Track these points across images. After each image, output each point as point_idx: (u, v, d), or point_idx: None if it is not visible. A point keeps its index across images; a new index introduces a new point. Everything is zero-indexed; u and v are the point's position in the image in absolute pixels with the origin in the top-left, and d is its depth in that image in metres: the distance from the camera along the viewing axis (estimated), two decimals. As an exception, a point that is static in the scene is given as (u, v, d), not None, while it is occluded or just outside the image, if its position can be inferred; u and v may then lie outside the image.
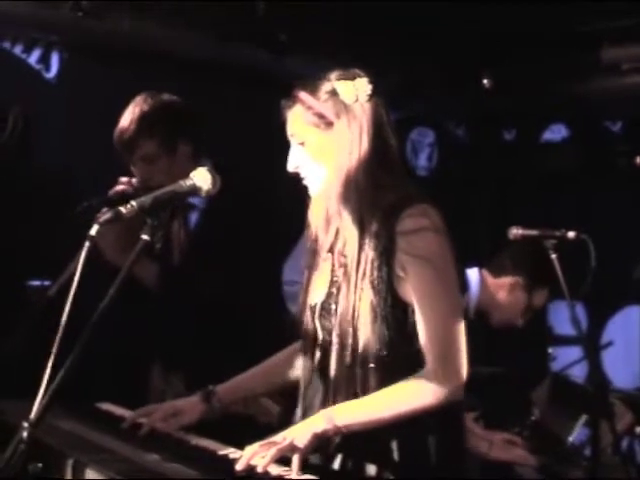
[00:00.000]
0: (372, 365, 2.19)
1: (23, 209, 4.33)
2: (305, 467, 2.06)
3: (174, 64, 4.71)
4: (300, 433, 2.10)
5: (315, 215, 2.32)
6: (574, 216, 5.61)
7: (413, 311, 2.18)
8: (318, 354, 2.31)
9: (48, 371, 1.91)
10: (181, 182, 2.20)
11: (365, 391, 2.19)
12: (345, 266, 2.25)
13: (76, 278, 1.97)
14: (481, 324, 3.72)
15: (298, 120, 2.27)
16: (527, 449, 3.69)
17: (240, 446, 2.17)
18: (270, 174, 2.89)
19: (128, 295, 2.07)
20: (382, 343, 2.17)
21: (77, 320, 1.95)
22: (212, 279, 3.07)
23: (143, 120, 3.13)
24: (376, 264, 2.18)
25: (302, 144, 2.28)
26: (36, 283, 4.04)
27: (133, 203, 2.10)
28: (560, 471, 3.76)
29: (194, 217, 3.23)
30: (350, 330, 2.20)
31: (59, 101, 4.68)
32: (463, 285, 3.49)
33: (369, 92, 2.24)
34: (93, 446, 2.24)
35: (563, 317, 4.02)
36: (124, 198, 2.80)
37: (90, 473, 2.05)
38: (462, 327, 2.19)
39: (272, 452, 2.03)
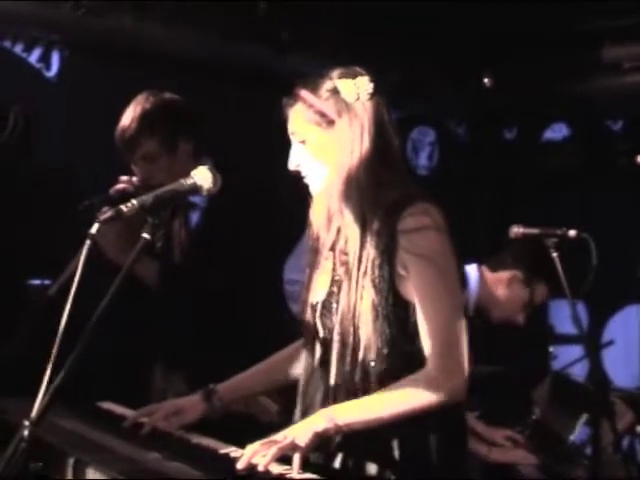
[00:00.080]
0: (373, 364, 2.18)
1: (23, 208, 4.33)
2: (306, 466, 2.06)
3: (175, 63, 4.70)
4: (301, 432, 2.10)
5: (316, 213, 2.32)
6: (575, 215, 5.61)
7: (414, 310, 2.18)
8: (319, 352, 2.32)
9: (49, 370, 1.90)
10: (182, 181, 2.20)
11: (366, 390, 2.19)
12: (346, 264, 2.24)
13: (77, 277, 1.96)
14: (481, 321, 3.72)
15: (299, 118, 2.27)
16: (528, 448, 3.70)
17: (241, 445, 2.17)
18: (271, 173, 2.89)
19: (129, 294, 2.07)
20: (383, 342, 2.17)
21: (78, 319, 1.95)
22: (213, 278, 3.07)
23: (144, 119, 3.13)
24: (377, 263, 2.18)
25: (303, 142, 2.28)
26: (36, 282, 4.04)
27: (134, 202, 2.10)
28: (561, 470, 3.76)
29: (195, 216, 3.23)
30: (351, 329, 2.20)
31: (59, 100, 4.68)
32: (462, 282, 3.50)
33: (370, 90, 2.24)
34: (94, 445, 2.24)
35: (564, 316, 4.02)
36: (125, 197, 2.80)
37: (91, 472, 2.05)
38: (463, 326, 2.19)
39: (273, 451, 2.03)
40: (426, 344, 2.16)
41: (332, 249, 2.31)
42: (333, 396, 2.25)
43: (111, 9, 4.36)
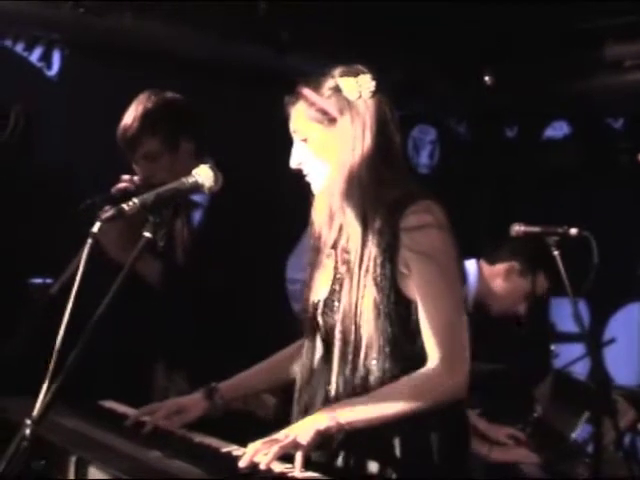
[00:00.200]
0: (374, 362, 2.18)
1: (24, 207, 4.33)
2: (308, 464, 2.06)
3: (175, 63, 4.71)
4: (303, 430, 2.10)
5: (318, 212, 2.32)
6: (576, 213, 5.61)
7: (416, 308, 2.18)
8: (321, 351, 2.31)
9: (51, 368, 1.90)
10: (183, 179, 2.20)
11: (367, 388, 2.19)
12: (348, 263, 2.24)
13: (78, 276, 1.97)
14: (481, 317, 3.72)
15: (301, 116, 2.28)
16: (529, 446, 3.69)
17: (242, 443, 2.17)
18: (271, 173, 2.89)
19: (131, 293, 2.07)
20: (385, 340, 2.17)
21: (79, 318, 1.95)
22: (214, 277, 3.07)
23: (146, 118, 3.13)
24: (379, 261, 2.18)
25: (305, 140, 2.29)
26: (38, 281, 4.04)
27: (135, 200, 2.11)
28: (562, 468, 3.76)
29: (198, 215, 3.23)
30: (353, 327, 2.20)
31: (60, 99, 4.68)
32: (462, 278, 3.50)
33: (372, 88, 2.24)
34: (96, 443, 2.24)
35: (565, 314, 4.02)
36: (126, 196, 2.79)
37: (93, 470, 2.05)
38: (465, 324, 2.19)
39: (275, 449, 2.03)
40: (428, 342, 2.16)
41: (334, 247, 2.31)
42: (334, 394, 2.25)
43: (111, 8, 4.37)
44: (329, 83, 2.26)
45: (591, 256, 3.44)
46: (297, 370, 2.41)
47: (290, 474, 2.01)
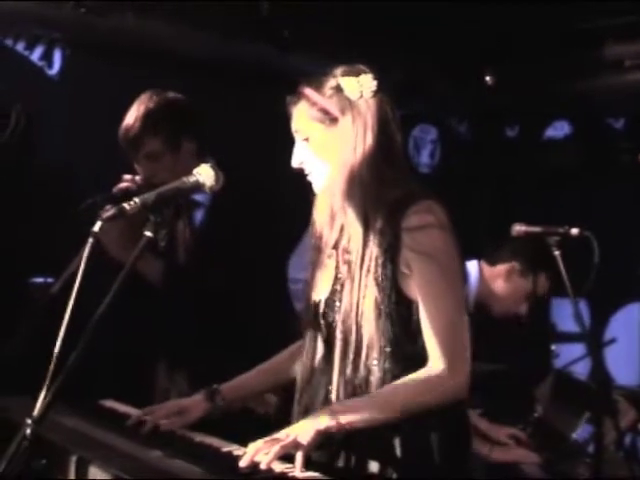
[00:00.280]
0: (375, 362, 2.18)
1: (25, 206, 4.33)
2: (308, 464, 2.06)
3: (177, 62, 4.70)
4: (303, 430, 2.10)
5: (320, 211, 2.32)
6: (576, 213, 5.60)
7: (417, 308, 2.18)
8: (322, 351, 2.31)
9: (51, 368, 1.91)
10: (184, 179, 2.21)
11: (368, 388, 2.19)
12: (349, 263, 2.24)
13: (79, 275, 1.97)
14: (482, 317, 3.72)
15: (303, 116, 2.28)
16: (530, 446, 3.69)
17: (243, 443, 2.17)
18: (273, 171, 2.89)
19: (132, 292, 2.07)
20: (386, 340, 2.17)
21: (80, 317, 1.95)
22: (216, 277, 3.06)
23: (148, 118, 3.13)
24: (380, 261, 2.18)
25: (306, 140, 2.29)
26: (39, 280, 4.04)
27: (136, 200, 2.11)
28: (563, 468, 3.76)
29: (199, 215, 3.23)
30: (354, 327, 2.20)
31: (61, 98, 4.68)
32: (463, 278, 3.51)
33: (374, 88, 2.24)
34: (96, 443, 2.24)
35: (566, 314, 4.02)
36: (128, 195, 2.79)
37: (93, 470, 2.05)
38: (466, 324, 2.19)
39: (275, 449, 2.03)
40: (429, 342, 2.16)
41: (335, 247, 2.31)
42: (335, 394, 2.25)
43: (113, 7, 4.37)
44: (330, 83, 2.26)
45: (592, 256, 3.44)
46: (298, 370, 2.41)
47: (291, 474, 2.01)
